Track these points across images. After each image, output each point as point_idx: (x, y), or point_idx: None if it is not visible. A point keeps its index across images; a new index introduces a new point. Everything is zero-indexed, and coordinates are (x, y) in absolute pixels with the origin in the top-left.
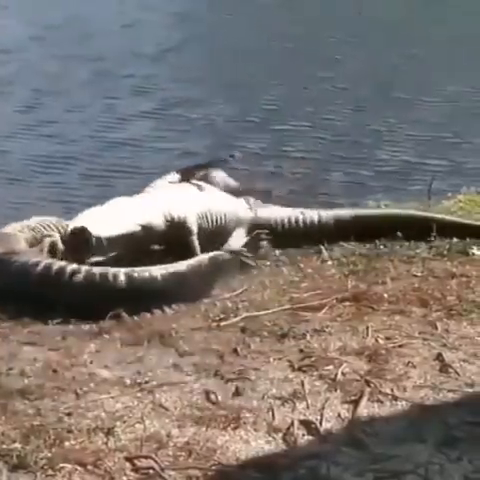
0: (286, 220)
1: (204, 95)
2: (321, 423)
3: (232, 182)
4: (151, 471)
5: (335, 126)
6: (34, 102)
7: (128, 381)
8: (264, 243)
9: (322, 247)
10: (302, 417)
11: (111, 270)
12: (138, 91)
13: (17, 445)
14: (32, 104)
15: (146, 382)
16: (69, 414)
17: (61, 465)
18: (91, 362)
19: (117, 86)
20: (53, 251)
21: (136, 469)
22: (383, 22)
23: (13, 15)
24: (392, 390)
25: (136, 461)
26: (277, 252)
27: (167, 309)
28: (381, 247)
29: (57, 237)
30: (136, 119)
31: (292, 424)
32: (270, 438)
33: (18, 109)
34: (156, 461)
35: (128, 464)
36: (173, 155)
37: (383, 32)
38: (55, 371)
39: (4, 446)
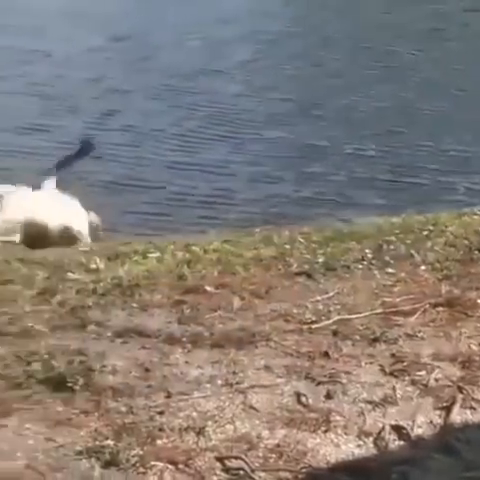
0: None
1: (279, 115)
2: (413, 429)
3: None
4: (241, 472)
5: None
6: (96, 121)
7: (219, 381)
8: None
9: (413, 251)
10: (393, 422)
11: None
12: (206, 111)
13: (109, 442)
14: (94, 124)
15: (237, 383)
16: (161, 413)
17: (152, 463)
18: (183, 362)
19: (186, 104)
20: None
21: (226, 469)
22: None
23: (81, 25)
24: None
25: (226, 461)
26: (369, 255)
27: None
28: (476, 252)
29: None
30: (206, 141)
31: (383, 429)
32: (361, 442)
33: (81, 128)
34: (246, 462)
35: (218, 464)
36: (245, 180)
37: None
38: (147, 370)
39: (97, 443)
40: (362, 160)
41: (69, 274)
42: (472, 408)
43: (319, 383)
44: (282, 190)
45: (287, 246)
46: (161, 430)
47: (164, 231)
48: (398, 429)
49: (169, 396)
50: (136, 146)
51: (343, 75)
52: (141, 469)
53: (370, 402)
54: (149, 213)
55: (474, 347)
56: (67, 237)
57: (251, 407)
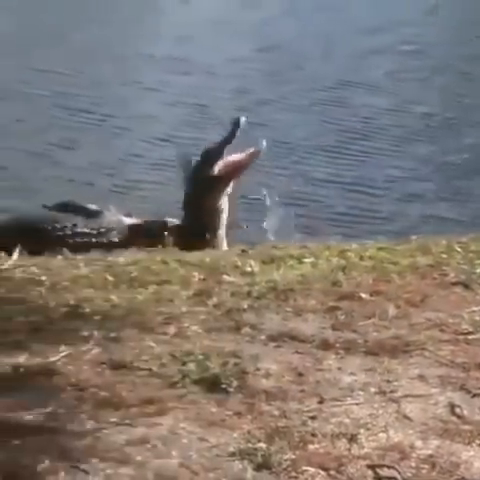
0: None
1: (422, 131)
2: None
3: None
4: None
5: None
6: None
7: (373, 389)
8: None
9: None
10: None
11: None
12: (348, 125)
13: (262, 445)
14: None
15: (391, 391)
16: (313, 418)
17: (304, 468)
18: (337, 368)
19: (326, 118)
20: None
21: (378, 478)
22: None
23: (228, 35)
24: None
25: (378, 470)
26: None
27: None
28: None
29: None
30: (347, 156)
31: None
32: None
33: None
34: (399, 471)
35: (370, 472)
36: (385, 197)
37: None
38: (300, 374)
39: (249, 445)
40: None
41: (224, 276)
42: None
43: (474, 395)
44: (424, 208)
45: (444, 255)
46: (313, 435)
47: None
48: None
49: (322, 401)
50: (273, 159)
51: None
52: (293, 473)
53: None
54: (287, 226)
55: None
56: None
57: (405, 416)
